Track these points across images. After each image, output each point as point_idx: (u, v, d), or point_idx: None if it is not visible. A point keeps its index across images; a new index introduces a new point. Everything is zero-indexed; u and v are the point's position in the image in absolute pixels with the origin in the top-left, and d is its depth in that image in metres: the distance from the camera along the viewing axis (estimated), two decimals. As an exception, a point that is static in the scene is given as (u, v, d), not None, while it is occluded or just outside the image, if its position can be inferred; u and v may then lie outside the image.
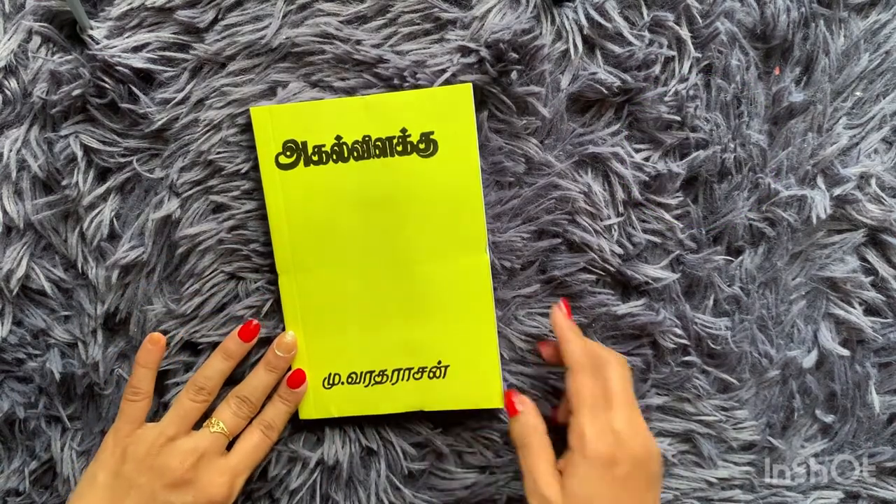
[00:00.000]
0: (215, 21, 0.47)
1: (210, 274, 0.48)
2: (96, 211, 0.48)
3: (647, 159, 0.48)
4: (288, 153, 0.46)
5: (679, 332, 0.49)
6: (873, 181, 0.49)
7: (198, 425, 0.47)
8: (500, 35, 0.45)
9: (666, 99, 0.47)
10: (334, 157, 0.46)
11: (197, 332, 0.49)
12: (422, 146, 0.45)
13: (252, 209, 0.48)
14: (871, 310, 0.51)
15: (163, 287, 0.50)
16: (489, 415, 0.50)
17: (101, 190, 0.48)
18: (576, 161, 0.48)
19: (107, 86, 0.46)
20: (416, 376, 0.48)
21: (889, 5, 0.49)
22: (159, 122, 0.47)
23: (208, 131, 0.47)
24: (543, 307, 0.49)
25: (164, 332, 0.49)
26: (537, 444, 0.42)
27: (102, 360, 0.50)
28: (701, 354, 0.50)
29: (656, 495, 0.41)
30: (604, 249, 0.48)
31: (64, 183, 0.48)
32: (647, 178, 0.48)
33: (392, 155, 0.46)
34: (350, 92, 0.46)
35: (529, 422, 0.43)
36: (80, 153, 0.47)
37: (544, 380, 0.49)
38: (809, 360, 0.51)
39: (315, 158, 0.46)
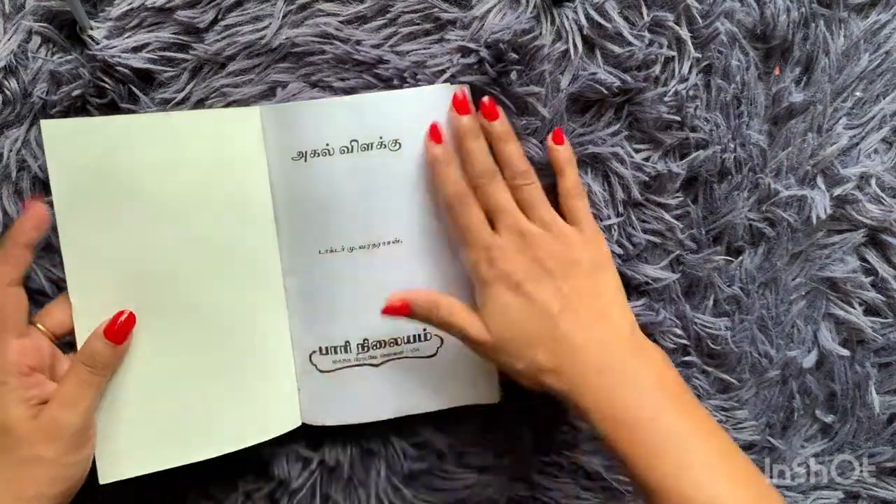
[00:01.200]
0: (215, 21, 0.47)
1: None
2: (96, 211, 0.48)
3: (647, 159, 0.48)
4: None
5: (679, 332, 0.49)
6: (873, 181, 0.49)
7: None
8: (500, 35, 0.45)
9: (666, 99, 0.47)
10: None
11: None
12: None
13: (252, 209, 0.48)
14: (871, 310, 0.51)
15: (163, 287, 0.49)
16: (489, 414, 0.50)
17: (101, 190, 0.48)
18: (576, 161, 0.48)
19: (107, 86, 0.46)
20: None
21: (889, 5, 0.49)
22: (159, 123, 0.47)
23: (208, 131, 0.47)
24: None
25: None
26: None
27: (102, 360, 0.50)
28: (701, 354, 0.50)
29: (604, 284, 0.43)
30: (604, 249, 0.48)
31: (64, 183, 0.48)
32: (647, 178, 0.48)
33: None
34: (350, 92, 0.46)
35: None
36: (80, 153, 0.47)
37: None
38: (809, 360, 0.51)
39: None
